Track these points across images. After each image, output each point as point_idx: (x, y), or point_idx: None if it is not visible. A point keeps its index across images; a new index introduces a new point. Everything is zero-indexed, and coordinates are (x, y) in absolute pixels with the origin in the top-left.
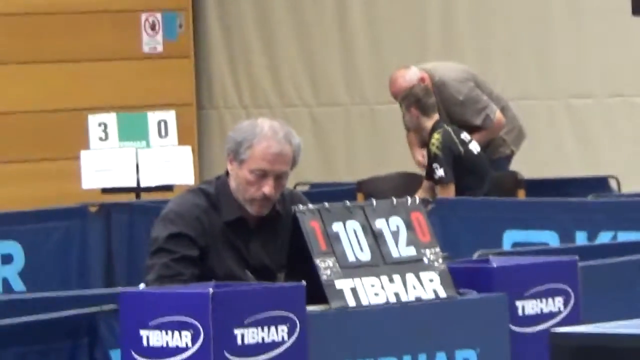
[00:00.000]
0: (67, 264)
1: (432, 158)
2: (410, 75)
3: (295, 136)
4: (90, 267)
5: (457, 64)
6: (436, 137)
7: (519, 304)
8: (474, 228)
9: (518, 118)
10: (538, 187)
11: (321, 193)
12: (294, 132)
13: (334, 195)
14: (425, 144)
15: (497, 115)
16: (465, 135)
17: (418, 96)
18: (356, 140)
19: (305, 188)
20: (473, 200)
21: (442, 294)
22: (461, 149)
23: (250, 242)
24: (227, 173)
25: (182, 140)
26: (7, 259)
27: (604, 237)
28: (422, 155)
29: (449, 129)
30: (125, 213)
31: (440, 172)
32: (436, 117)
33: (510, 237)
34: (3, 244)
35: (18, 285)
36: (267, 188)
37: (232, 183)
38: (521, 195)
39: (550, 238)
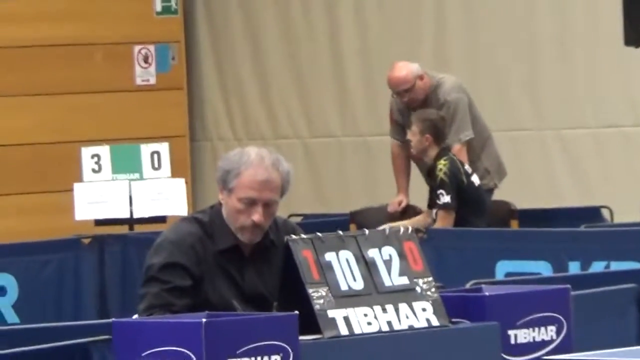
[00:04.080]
0: (61, 295)
1: (438, 184)
2: (411, 69)
3: (284, 163)
4: (84, 299)
5: None
6: (443, 164)
7: (511, 332)
8: (467, 258)
9: (499, 153)
10: (531, 217)
11: (314, 224)
12: (283, 159)
13: (327, 226)
14: (426, 167)
15: (458, 146)
16: (468, 167)
17: (435, 123)
18: (349, 171)
19: (298, 219)
20: (466, 231)
21: (435, 323)
22: (465, 179)
23: (244, 270)
24: (220, 202)
25: (175, 172)
26: (1, 291)
27: (597, 267)
28: (399, 201)
29: (455, 158)
30: (119, 245)
31: (446, 198)
32: (443, 145)
33: (503, 268)
34: None
35: (12, 317)
36: (257, 216)
37: (224, 212)
38: (514, 225)
39: (543, 268)
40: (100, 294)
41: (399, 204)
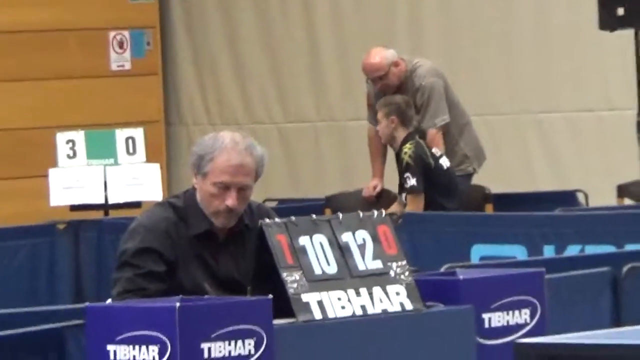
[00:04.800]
0: (36, 281)
1: (404, 168)
2: (386, 55)
3: (258, 147)
4: (59, 285)
5: None
6: (408, 147)
7: (485, 316)
8: (442, 242)
9: (478, 138)
10: (506, 201)
11: (289, 209)
12: (257, 144)
13: (302, 211)
14: (394, 153)
15: (433, 131)
16: (435, 150)
17: (400, 106)
18: (324, 156)
19: (274, 204)
20: (441, 215)
21: (409, 306)
22: (432, 162)
23: (219, 255)
24: (194, 187)
25: (150, 157)
26: None
27: (572, 251)
28: (374, 185)
29: (421, 141)
30: (94, 230)
31: (412, 181)
32: (410, 129)
33: (478, 251)
34: None
35: None
36: (230, 200)
37: (198, 196)
38: (489, 209)
39: (518, 252)
40: (75, 280)
41: (374, 188)
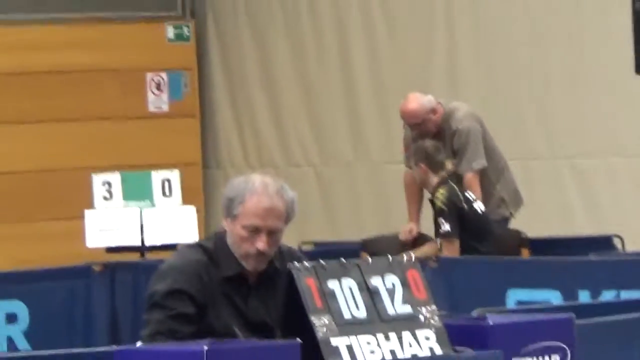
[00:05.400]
0: (72, 323)
1: (437, 212)
2: (424, 101)
3: (289, 190)
4: (95, 326)
5: None
6: (441, 192)
7: None
8: (477, 286)
9: (515, 182)
10: (542, 246)
11: (325, 252)
12: (288, 187)
13: (338, 254)
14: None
15: (470, 175)
16: (469, 194)
17: (428, 152)
18: (361, 199)
19: (309, 247)
20: (477, 259)
21: (438, 351)
22: (465, 206)
23: (249, 298)
24: (225, 229)
25: (187, 200)
26: (12, 318)
27: (607, 296)
28: (410, 229)
29: (454, 186)
30: (130, 272)
31: (446, 226)
32: (443, 174)
33: (514, 296)
34: (8, 303)
35: (23, 344)
36: (261, 244)
37: (229, 239)
38: (525, 254)
39: (553, 296)
40: (111, 322)
41: (410, 231)
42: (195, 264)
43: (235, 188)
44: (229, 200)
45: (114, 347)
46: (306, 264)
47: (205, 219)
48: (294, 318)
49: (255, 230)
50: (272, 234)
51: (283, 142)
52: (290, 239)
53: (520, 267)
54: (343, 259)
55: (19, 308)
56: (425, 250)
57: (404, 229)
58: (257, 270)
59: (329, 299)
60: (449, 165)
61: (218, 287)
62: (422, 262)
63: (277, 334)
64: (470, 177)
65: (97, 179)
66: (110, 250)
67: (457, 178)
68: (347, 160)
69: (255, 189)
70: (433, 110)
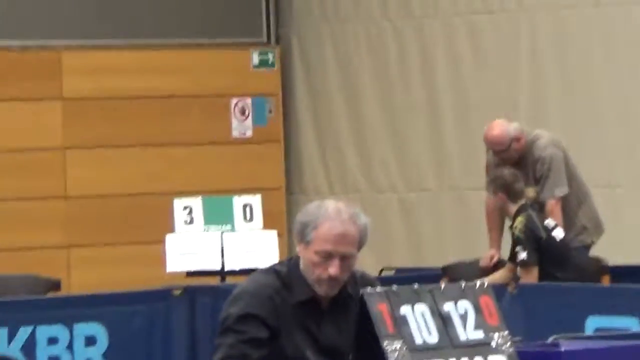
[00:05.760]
0: (151, 346)
1: (515, 241)
2: (508, 128)
3: (362, 216)
4: (174, 350)
5: None
6: (519, 221)
7: None
8: (556, 313)
9: (597, 210)
10: (623, 273)
11: (406, 278)
12: (361, 213)
13: (419, 280)
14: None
15: (552, 202)
16: (549, 222)
17: (506, 182)
18: (444, 225)
19: (391, 273)
20: (556, 286)
21: None
22: (544, 234)
23: (321, 323)
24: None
25: (270, 225)
26: (91, 340)
27: None
28: (491, 256)
29: (533, 213)
30: (210, 296)
31: (523, 255)
32: (522, 202)
33: (594, 323)
34: (87, 325)
35: None
36: (333, 269)
37: (302, 264)
38: (605, 281)
39: (633, 324)
40: (190, 345)
41: (491, 258)
42: (268, 289)
43: (308, 213)
44: (303, 226)
45: None
46: (379, 289)
47: (288, 244)
48: (366, 343)
49: (327, 256)
50: (345, 260)
51: (367, 167)
52: (372, 264)
53: (601, 294)
54: (416, 285)
55: (98, 331)
56: (497, 276)
57: (485, 255)
58: (330, 296)
59: (401, 325)
60: (531, 192)
61: (291, 311)
62: (501, 288)
63: (350, 359)
64: (552, 204)
65: (179, 204)
66: (190, 274)
67: (540, 205)
68: (430, 186)
69: (329, 214)
70: (516, 138)
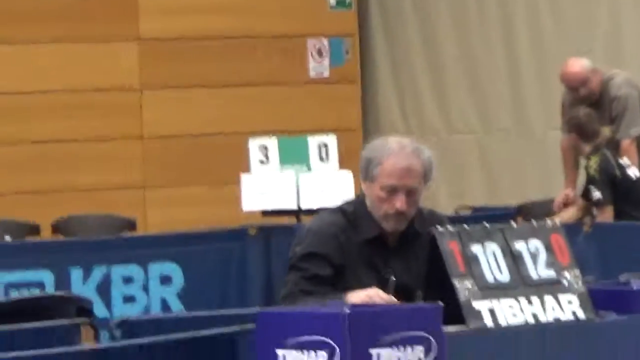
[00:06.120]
0: (226, 285)
1: (589, 180)
2: (583, 64)
3: (425, 150)
4: (249, 289)
5: None
6: (594, 160)
7: None
8: (630, 252)
9: None
10: None
11: (482, 216)
12: (426, 148)
13: (495, 219)
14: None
15: (628, 141)
16: (625, 161)
17: (580, 121)
18: (522, 166)
19: (467, 211)
20: (631, 225)
21: (581, 315)
22: (618, 172)
23: (389, 260)
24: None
25: (347, 165)
26: (166, 280)
27: None
28: (566, 195)
29: (608, 152)
30: (285, 235)
31: (597, 194)
32: (597, 141)
33: None
34: (162, 265)
35: (176, 305)
36: (399, 203)
37: (368, 201)
38: None
39: None
40: (266, 285)
41: (566, 197)
42: (332, 227)
43: (372, 150)
44: (367, 162)
45: (257, 309)
46: (450, 227)
47: None
48: (435, 281)
49: (393, 191)
50: (411, 194)
51: (444, 109)
52: (449, 204)
53: None
54: (487, 224)
55: (174, 270)
56: (567, 215)
57: (560, 194)
58: (397, 231)
59: (471, 263)
60: (606, 131)
61: (357, 249)
62: (575, 227)
63: (418, 296)
64: (627, 144)
65: (254, 143)
66: (266, 213)
67: (615, 144)
68: (508, 127)
69: (392, 149)
70: (592, 74)
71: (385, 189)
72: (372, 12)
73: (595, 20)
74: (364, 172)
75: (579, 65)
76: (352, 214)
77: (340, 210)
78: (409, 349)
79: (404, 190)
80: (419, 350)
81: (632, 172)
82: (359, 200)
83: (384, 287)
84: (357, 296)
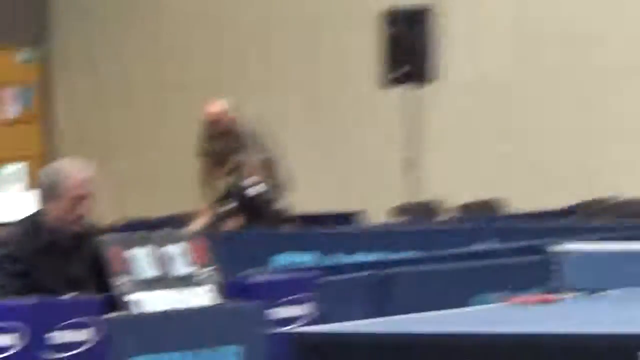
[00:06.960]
0: None
1: (224, 195)
2: (222, 104)
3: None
4: None
5: None
6: (227, 179)
7: (271, 311)
8: (243, 253)
9: None
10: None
11: (138, 226)
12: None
13: (149, 228)
14: None
15: (252, 164)
16: (250, 180)
17: (216, 151)
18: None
19: (125, 222)
20: (254, 232)
21: (214, 302)
22: (246, 190)
23: (69, 258)
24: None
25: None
26: None
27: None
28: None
29: (239, 173)
30: None
31: (229, 206)
32: (230, 165)
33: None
34: None
35: None
36: (84, 209)
37: (52, 214)
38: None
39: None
40: None
41: (203, 209)
42: (16, 235)
43: (53, 174)
44: (52, 183)
45: None
46: (111, 235)
47: None
48: (100, 277)
49: (80, 199)
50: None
51: (106, 140)
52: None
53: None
54: (142, 232)
55: None
56: (200, 223)
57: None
58: (74, 234)
59: (129, 263)
60: (238, 157)
61: (39, 252)
62: (212, 233)
63: (86, 289)
64: (252, 166)
65: None
66: None
67: (244, 166)
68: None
69: (71, 168)
70: (228, 111)
71: (74, 200)
72: (53, 65)
73: None
74: (49, 191)
75: (219, 105)
76: (33, 223)
77: (24, 222)
78: (77, 332)
79: (88, 197)
80: (84, 332)
81: (254, 189)
82: (38, 213)
83: (64, 282)
84: None
